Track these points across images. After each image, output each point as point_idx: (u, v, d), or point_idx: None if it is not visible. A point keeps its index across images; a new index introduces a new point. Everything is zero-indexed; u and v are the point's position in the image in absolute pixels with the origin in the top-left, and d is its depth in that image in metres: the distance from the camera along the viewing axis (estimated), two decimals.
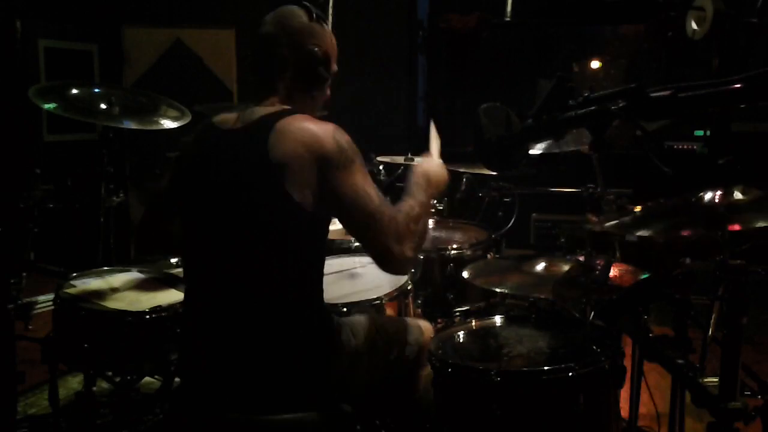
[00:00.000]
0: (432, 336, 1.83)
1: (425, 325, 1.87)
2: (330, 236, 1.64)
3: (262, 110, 1.55)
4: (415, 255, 1.53)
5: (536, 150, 2.19)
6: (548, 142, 2.06)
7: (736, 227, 1.23)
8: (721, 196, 1.34)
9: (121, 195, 2.80)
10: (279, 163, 1.44)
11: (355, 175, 1.48)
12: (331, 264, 2.32)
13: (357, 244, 2.44)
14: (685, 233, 1.33)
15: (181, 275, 2.34)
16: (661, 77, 4.25)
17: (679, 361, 1.45)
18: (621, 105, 1.24)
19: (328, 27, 1.66)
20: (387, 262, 1.52)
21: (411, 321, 1.89)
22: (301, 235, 1.48)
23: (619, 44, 4.65)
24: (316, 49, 1.59)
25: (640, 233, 1.38)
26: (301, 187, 1.44)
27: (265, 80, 1.60)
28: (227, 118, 1.59)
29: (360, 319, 1.75)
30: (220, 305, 1.51)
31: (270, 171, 1.44)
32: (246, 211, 1.48)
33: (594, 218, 1.88)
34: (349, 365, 1.60)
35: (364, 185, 1.49)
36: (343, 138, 1.50)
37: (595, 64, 4.56)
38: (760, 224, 1.20)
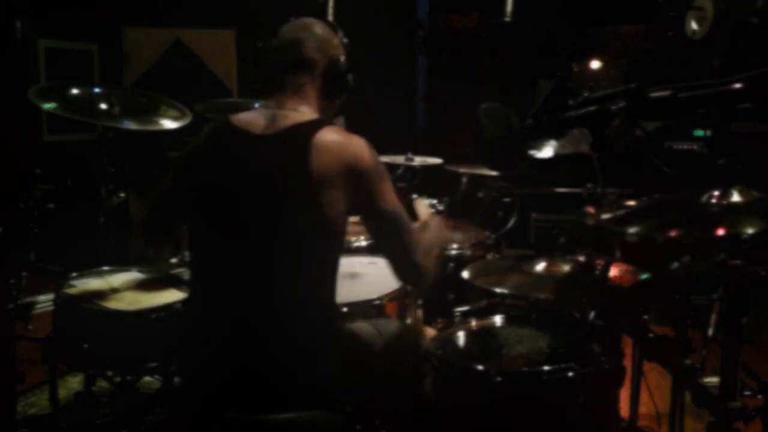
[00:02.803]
0: (434, 340, 1.83)
1: (428, 332, 1.87)
2: None
3: (291, 116, 1.55)
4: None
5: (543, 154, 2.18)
6: (554, 145, 2.05)
7: (721, 231, 1.23)
8: (718, 196, 1.34)
9: (121, 195, 2.80)
10: (316, 177, 1.45)
11: (391, 190, 1.55)
12: None
13: (357, 244, 2.44)
14: (673, 233, 1.33)
15: (181, 275, 2.34)
16: (661, 77, 4.25)
17: (679, 361, 1.45)
18: (621, 105, 1.24)
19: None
20: (415, 277, 1.60)
21: (414, 328, 1.89)
22: (324, 244, 1.50)
23: (619, 44, 4.65)
24: (342, 57, 1.61)
25: (632, 229, 1.38)
26: (334, 200, 1.47)
27: (291, 82, 1.60)
28: (253, 121, 1.56)
29: (363, 325, 1.76)
30: (229, 307, 1.51)
31: (306, 184, 1.46)
32: (275, 219, 1.48)
33: (592, 212, 1.88)
34: (351, 370, 1.61)
35: (397, 200, 1.55)
36: (375, 153, 1.55)
37: (595, 64, 4.56)
38: (750, 230, 1.20)
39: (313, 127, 1.51)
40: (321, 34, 1.62)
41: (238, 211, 1.51)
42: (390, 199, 1.53)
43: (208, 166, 1.56)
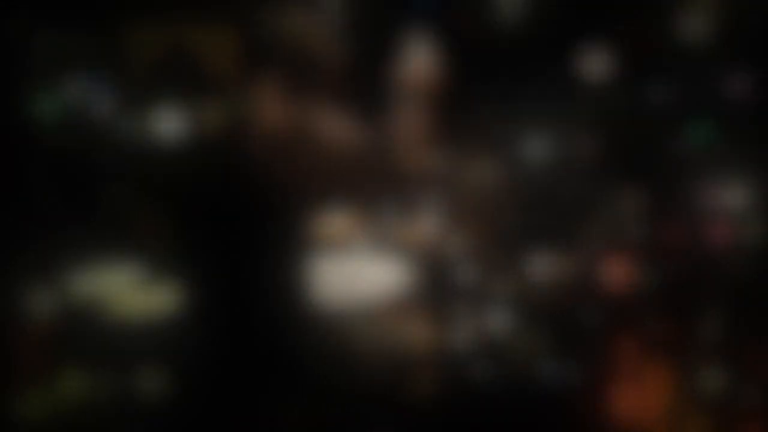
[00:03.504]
0: (433, 342, 1.82)
1: (426, 329, 1.87)
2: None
3: (268, 107, 1.55)
4: None
5: None
6: None
7: (722, 230, 1.23)
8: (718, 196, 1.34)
9: (121, 195, 2.79)
10: (285, 164, 1.46)
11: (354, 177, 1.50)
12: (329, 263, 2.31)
13: (354, 244, 2.43)
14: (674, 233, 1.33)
15: (181, 272, 2.34)
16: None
17: (680, 361, 1.45)
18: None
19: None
20: None
21: (412, 325, 1.89)
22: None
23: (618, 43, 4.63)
24: (327, 53, 1.61)
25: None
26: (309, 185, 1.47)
27: (271, 75, 1.60)
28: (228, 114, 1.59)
29: (359, 325, 1.76)
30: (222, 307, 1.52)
31: (277, 172, 1.46)
32: (255, 214, 1.50)
33: None
34: (346, 369, 1.61)
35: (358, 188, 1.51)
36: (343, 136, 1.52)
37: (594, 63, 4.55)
38: (751, 229, 1.20)
39: (287, 120, 1.52)
40: (306, 29, 1.62)
41: (219, 212, 1.53)
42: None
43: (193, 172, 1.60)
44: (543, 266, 2.06)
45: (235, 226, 1.54)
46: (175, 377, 2.00)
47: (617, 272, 1.94)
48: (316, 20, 1.68)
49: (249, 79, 1.69)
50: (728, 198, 1.37)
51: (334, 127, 1.58)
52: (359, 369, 1.62)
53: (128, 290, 2.21)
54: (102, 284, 2.22)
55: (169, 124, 2.67)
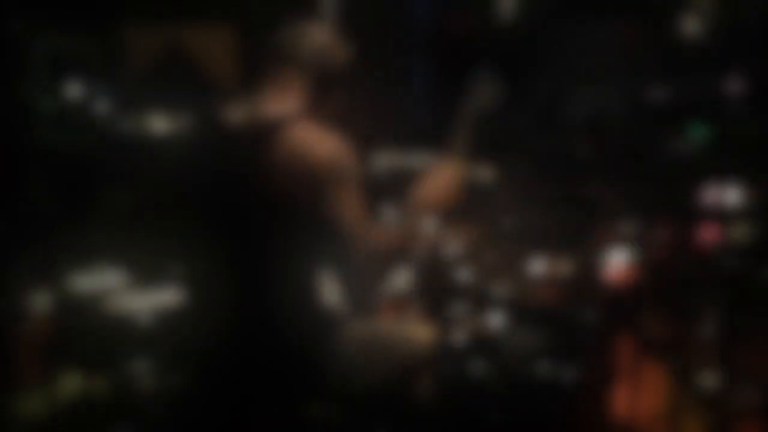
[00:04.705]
0: (433, 342, 1.83)
1: (426, 331, 1.87)
2: None
3: (273, 116, 1.56)
4: None
5: None
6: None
7: (721, 230, 1.23)
8: (717, 196, 1.35)
9: (120, 195, 2.80)
10: (289, 177, 1.49)
11: (352, 192, 1.54)
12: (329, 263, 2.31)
13: None
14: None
15: (179, 272, 2.34)
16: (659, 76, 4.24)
17: (678, 361, 1.45)
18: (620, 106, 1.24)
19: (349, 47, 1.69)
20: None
21: (412, 327, 1.89)
22: (301, 242, 1.53)
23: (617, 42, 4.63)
24: (336, 59, 1.62)
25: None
26: (307, 198, 1.50)
27: (278, 80, 1.62)
28: (234, 121, 1.60)
29: (359, 324, 1.76)
30: (227, 308, 1.53)
31: (278, 183, 1.50)
32: (255, 220, 1.55)
33: None
34: (347, 370, 1.61)
35: (355, 203, 1.54)
36: (348, 152, 1.54)
37: (592, 62, 4.54)
38: (749, 229, 1.21)
39: (291, 126, 1.53)
40: (314, 36, 1.63)
41: (221, 214, 1.58)
42: (348, 200, 1.53)
43: (193, 173, 1.63)
44: (542, 267, 2.06)
45: (235, 226, 1.55)
46: (174, 377, 2.00)
47: (616, 272, 1.94)
48: (315, 22, 1.68)
49: (249, 80, 1.69)
50: (728, 197, 1.37)
51: (335, 126, 1.58)
52: (359, 369, 1.62)
53: (128, 290, 2.21)
54: (101, 284, 2.22)
55: (168, 124, 2.68)
